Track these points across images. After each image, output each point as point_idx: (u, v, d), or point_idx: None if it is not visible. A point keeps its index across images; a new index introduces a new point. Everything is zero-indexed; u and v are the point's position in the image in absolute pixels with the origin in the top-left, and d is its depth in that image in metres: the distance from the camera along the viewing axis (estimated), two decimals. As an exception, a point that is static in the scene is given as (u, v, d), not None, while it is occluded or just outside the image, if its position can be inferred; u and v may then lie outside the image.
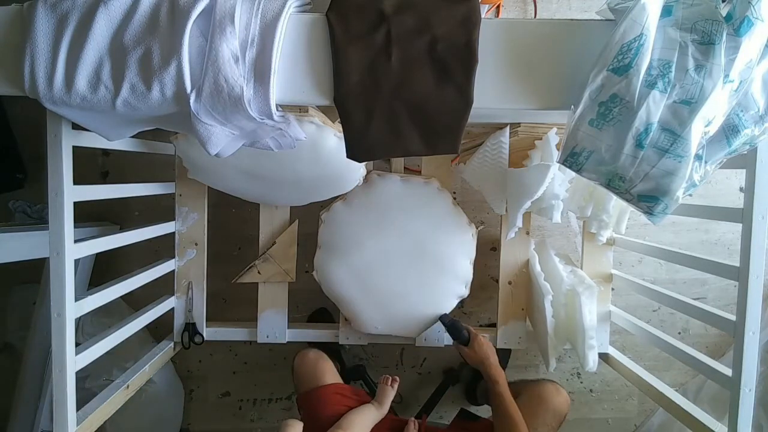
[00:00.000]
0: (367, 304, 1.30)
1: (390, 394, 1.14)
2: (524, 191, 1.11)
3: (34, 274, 1.42)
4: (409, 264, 1.28)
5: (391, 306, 1.30)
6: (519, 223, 1.19)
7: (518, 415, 1.04)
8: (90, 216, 1.47)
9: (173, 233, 1.35)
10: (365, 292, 1.29)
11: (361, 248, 1.28)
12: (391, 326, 1.33)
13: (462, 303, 1.44)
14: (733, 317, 0.93)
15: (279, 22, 0.73)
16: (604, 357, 1.38)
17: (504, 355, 1.57)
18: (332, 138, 1.08)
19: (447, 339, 1.39)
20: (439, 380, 1.60)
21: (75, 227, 0.91)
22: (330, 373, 1.18)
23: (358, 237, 1.28)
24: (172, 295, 1.36)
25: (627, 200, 0.77)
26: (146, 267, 1.23)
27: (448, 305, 1.32)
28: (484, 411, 1.36)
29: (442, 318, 1.28)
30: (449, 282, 1.30)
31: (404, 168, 1.39)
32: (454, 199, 1.32)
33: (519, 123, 1.18)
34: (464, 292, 1.33)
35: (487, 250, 1.54)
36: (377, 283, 1.28)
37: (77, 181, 0.91)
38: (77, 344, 0.94)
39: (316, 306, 1.57)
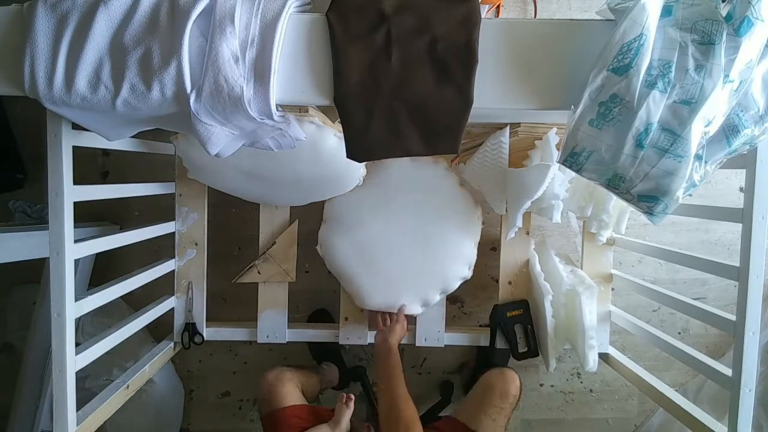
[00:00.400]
0: (369, 281, 1.30)
1: (345, 413, 1.13)
2: (524, 191, 1.11)
3: (34, 274, 1.42)
4: (413, 242, 1.28)
5: (393, 284, 1.30)
6: (519, 223, 1.19)
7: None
8: (90, 216, 1.47)
9: (173, 233, 1.35)
10: (368, 269, 1.29)
11: (366, 224, 1.28)
12: (392, 304, 1.32)
13: (462, 303, 1.45)
14: (733, 317, 0.93)
15: (279, 22, 0.73)
16: (604, 357, 1.37)
17: (503, 356, 1.57)
18: (332, 138, 1.08)
19: (447, 339, 1.39)
20: (439, 380, 1.60)
21: (75, 227, 0.91)
22: (289, 396, 1.17)
23: (365, 213, 1.28)
24: (172, 295, 1.36)
25: (627, 200, 0.77)
26: (146, 267, 1.23)
27: (451, 286, 1.32)
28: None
29: None
30: (453, 263, 1.30)
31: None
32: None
33: (519, 123, 1.18)
34: (467, 273, 1.33)
35: (487, 250, 1.54)
36: (381, 260, 1.28)
37: (77, 181, 0.91)
38: (77, 344, 0.94)
39: (316, 306, 1.57)
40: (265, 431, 1.17)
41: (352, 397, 1.15)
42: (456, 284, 1.33)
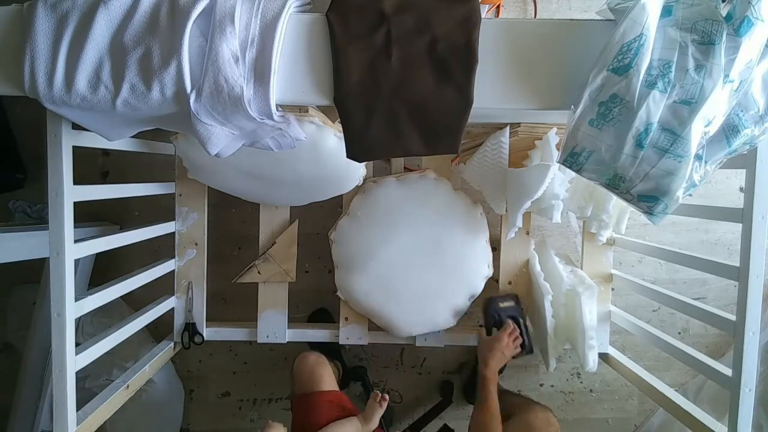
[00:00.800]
0: (398, 310, 1.30)
1: (377, 411, 1.12)
2: (524, 191, 1.11)
3: (34, 274, 1.42)
4: (427, 259, 1.27)
5: (421, 303, 1.30)
6: (519, 223, 1.19)
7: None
8: (90, 216, 1.47)
9: (173, 233, 1.35)
10: (392, 297, 1.29)
11: (376, 257, 1.27)
12: (430, 324, 1.33)
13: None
14: (733, 317, 0.93)
15: (279, 22, 0.73)
16: (604, 357, 1.37)
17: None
18: (332, 138, 1.08)
19: (448, 340, 1.39)
20: (439, 381, 1.60)
21: (75, 227, 0.91)
22: (327, 380, 1.17)
23: (371, 247, 1.28)
24: (172, 295, 1.36)
25: (627, 200, 0.77)
26: (146, 267, 1.23)
27: (477, 288, 1.32)
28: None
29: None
30: (471, 265, 1.30)
31: (404, 168, 1.39)
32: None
33: (519, 123, 1.18)
34: (488, 271, 1.33)
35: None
36: (402, 285, 1.28)
37: (77, 181, 0.91)
38: (77, 344, 0.94)
39: (316, 306, 1.57)
40: (297, 411, 1.15)
41: (386, 397, 1.14)
42: (481, 284, 1.32)
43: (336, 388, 1.20)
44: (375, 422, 1.12)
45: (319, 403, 1.13)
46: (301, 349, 1.53)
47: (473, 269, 1.30)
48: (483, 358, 1.17)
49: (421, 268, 1.27)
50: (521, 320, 1.28)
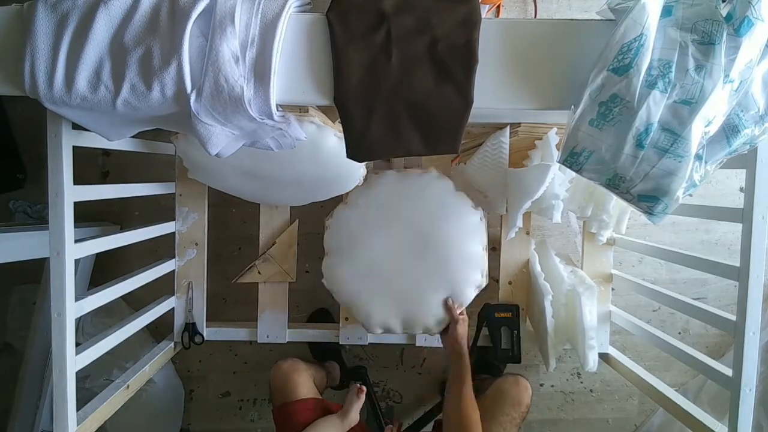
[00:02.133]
0: (378, 305, 1.26)
1: (355, 403, 1.10)
2: (524, 191, 1.11)
3: (34, 274, 1.42)
4: (417, 257, 1.22)
5: (403, 304, 1.25)
6: (519, 223, 1.19)
7: (476, 415, 1.05)
8: (90, 216, 1.47)
9: (173, 233, 1.35)
10: (375, 293, 1.25)
11: (367, 248, 1.24)
12: (409, 324, 1.28)
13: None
14: (733, 317, 0.93)
15: (279, 22, 0.73)
16: (604, 357, 1.38)
17: (503, 356, 1.57)
18: (332, 138, 1.08)
19: (447, 339, 1.39)
20: (438, 383, 1.60)
21: (75, 227, 0.91)
22: (304, 387, 1.14)
23: (363, 237, 1.25)
24: (172, 295, 1.36)
25: (627, 200, 0.77)
26: (146, 267, 1.23)
27: (466, 297, 1.24)
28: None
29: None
30: (462, 271, 1.23)
31: (404, 168, 1.39)
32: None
33: (519, 123, 1.18)
34: (481, 281, 1.25)
35: (488, 250, 1.53)
36: (387, 283, 1.24)
37: (77, 181, 0.91)
38: (77, 344, 0.94)
39: (316, 306, 1.57)
40: (278, 423, 1.13)
41: (365, 389, 1.12)
42: (470, 293, 1.24)
43: (315, 394, 1.17)
44: (354, 415, 1.10)
45: (297, 412, 1.10)
46: (301, 349, 1.53)
47: (463, 276, 1.22)
48: (456, 341, 1.17)
49: (409, 268, 1.22)
50: (515, 332, 1.29)
